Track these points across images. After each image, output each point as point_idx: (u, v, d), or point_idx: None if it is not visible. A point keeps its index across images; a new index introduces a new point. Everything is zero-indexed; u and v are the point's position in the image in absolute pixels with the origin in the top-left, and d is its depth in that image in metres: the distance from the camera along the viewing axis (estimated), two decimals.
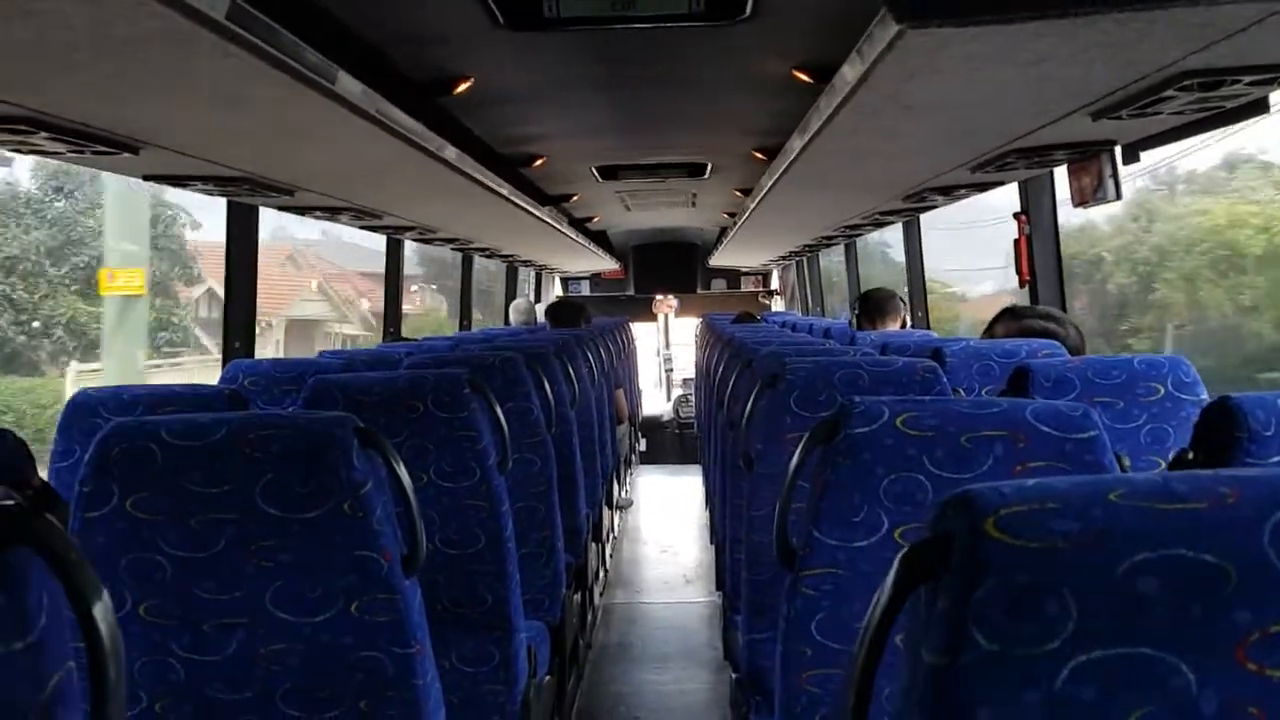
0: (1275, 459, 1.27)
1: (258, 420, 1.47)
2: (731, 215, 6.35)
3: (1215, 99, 1.91)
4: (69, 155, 2.22)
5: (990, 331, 2.89)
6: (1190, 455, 1.39)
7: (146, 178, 2.64)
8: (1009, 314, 2.85)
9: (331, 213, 3.76)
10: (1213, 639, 0.58)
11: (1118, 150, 2.54)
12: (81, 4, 1.26)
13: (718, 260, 8.92)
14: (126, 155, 2.24)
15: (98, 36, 1.41)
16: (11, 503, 1.11)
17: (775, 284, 9.95)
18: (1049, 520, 0.62)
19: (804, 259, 8.33)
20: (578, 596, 3.64)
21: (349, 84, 1.85)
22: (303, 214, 3.68)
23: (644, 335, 10.05)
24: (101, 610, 0.84)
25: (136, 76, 1.62)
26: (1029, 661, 0.60)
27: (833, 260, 8.38)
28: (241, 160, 2.54)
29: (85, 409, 2.23)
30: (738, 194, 5.52)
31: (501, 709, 2.30)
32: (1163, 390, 2.08)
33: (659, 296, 9.99)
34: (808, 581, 1.52)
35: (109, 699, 0.82)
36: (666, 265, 9.61)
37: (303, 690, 1.48)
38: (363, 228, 4.50)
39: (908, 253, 5.23)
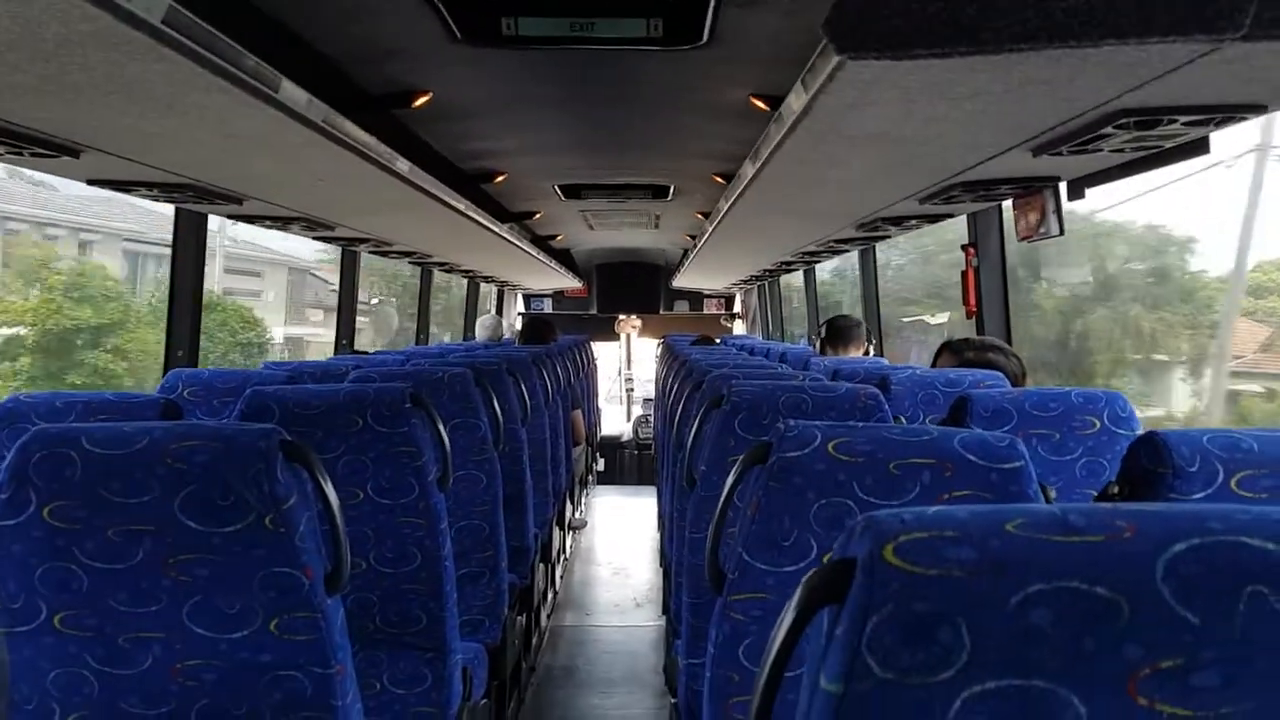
0: (1199, 494, 1.29)
1: (181, 431, 1.44)
2: (694, 238, 6.38)
3: (1153, 138, 1.95)
4: (8, 157, 2.18)
5: (934, 365, 2.92)
6: (1116, 489, 1.41)
7: (90, 182, 2.60)
8: (948, 349, 2.88)
9: (283, 222, 3.72)
10: (1104, 672, 0.58)
11: (1062, 186, 2.59)
12: (11, 4, 1.24)
13: (681, 282, 8.95)
14: (66, 158, 2.20)
15: (30, 37, 1.38)
16: None
17: (738, 307, 10.00)
18: (946, 548, 0.62)
19: (765, 283, 8.38)
20: (522, 618, 3.60)
21: (293, 92, 1.83)
22: (253, 222, 3.63)
23: (606, 354, 10.04)
24: None
25: (72, 79, 1.60)
26: (922, 690, 0.60)
27: (793, 288, 8.45)
28: (185, 166, 2.50)
29: (16, 414, 2.18)
30: (699, 216, 5.55)
31: None
32: (1098, 424, 2.11)
33: (622, 316, 9.99)
34: (737, 606, 1.52)
35: None
36: (630, 285, 9.62)
37: (219, 707, 1.45)
38: (316, 238, 4.45)
39: (863, 281, 5.27)
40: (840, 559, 0.66)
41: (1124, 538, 0.61)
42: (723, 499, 1.60)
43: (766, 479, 1.47)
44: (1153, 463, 1.33)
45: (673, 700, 2.56)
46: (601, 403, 9.37)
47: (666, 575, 3.81)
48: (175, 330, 3.45)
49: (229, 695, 1.45)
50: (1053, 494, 1.48)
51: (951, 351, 2.86)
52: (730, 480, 1.58)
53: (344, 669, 1.48)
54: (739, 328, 9.87)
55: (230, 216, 3.42)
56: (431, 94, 2.82)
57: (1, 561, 1.40)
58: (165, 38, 1.39)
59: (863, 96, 1.63)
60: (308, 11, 2.14)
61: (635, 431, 9.53)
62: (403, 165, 2.72)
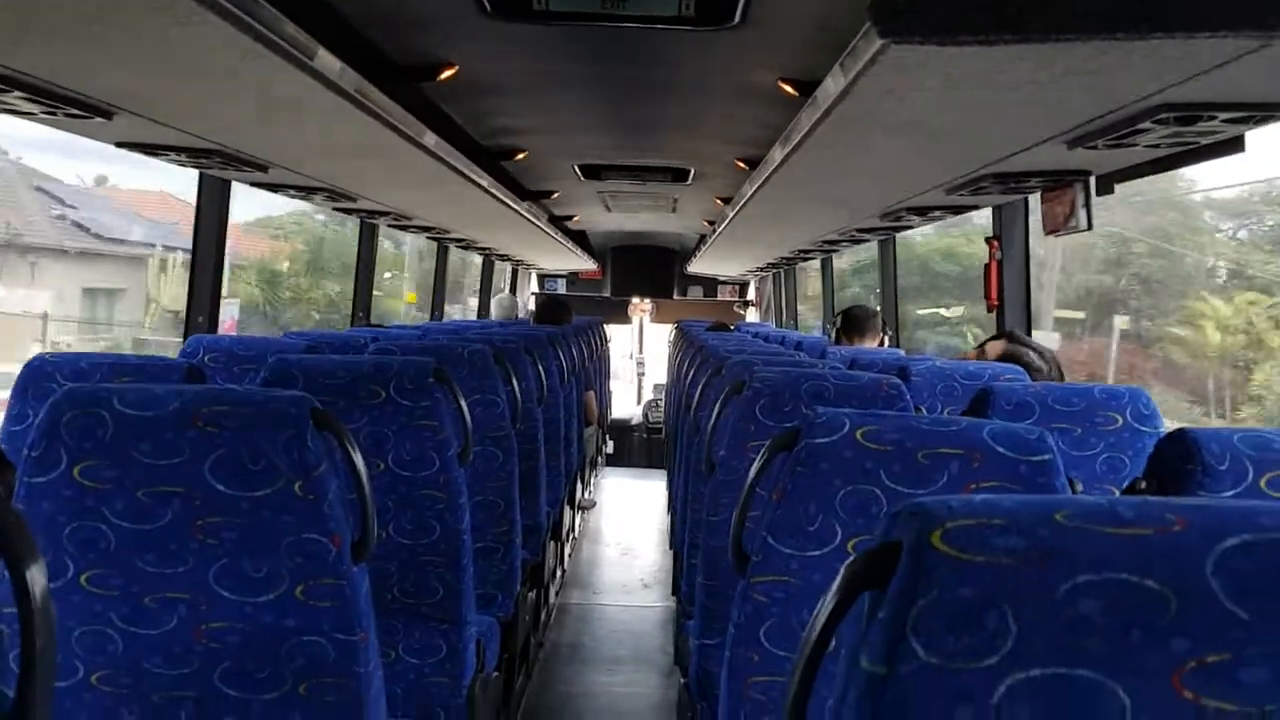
0: (1228, 493, 1.29)
1: (213, 394, 1.45)
2: (712, 223, 6.36)
3: (1191, 134, 1.93)
4: (41, 116, 2.18)
5: (982, 349, 2.93)
6: (1144, 485, 1.41)
7: (119, 144, 2.60)
8: (1008, 336, 2.90)
9: (306, 192, 3.73)
10: (1150, 664, 0.59)
11: (1092, 180, 2.58)
12: None
13: (696, 267, 8.94)
14: (99, 120, 2.20)
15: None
16: None
17: (752, 295, 9.98)
18: (994, 536, 0.62)
19: (781, 271, 8.36)
20: (533, 594, 3.62)
21: (328, 61, 1.83)
22: (276, 191, 3.64)
23: (618, 337, 10.05)
24: (34, 575, 0.82)
25: (116, 41, 1.60)
26: (966, 675, 0.60)
27: (809, 275, 8.42)
28: (216, 133, 2.50)
29: (42, 374, 2.19)
30: (719, 202, 5.53)
31: (446, 703, 2.28)
32: (1121, 420, 2.10)
33: (635, 300, 10.00)
34: (759, 588, 1.52)
35: (37, 666, 0.80)
36: (644, 269, 9.62)
37: (242, 670, 1.46)
38: (336, 209, 4.46)
39: (882, 272, 5.26)
40: (884, 544, 0.66)
41: (1174, 531, 0.61)
42: (749, 482, 1.61)
43: (793, 465, 1.47)
44: (1182, 460, 1.33)
45: (682, 680, 2.58)
46: (613, 385, 9.40)
47: (677, 558, 3.82)
48: (196, 296, 3.47)
49: (252, 658, 1.46)
50: (1080, 487, 1.48)
51: (1010, 339, 2.89)
52: (757, 465, 1.59)
53: (367, 636, 1.49)
54: (752, 315, 9.86)
55: (253, 184, 3.43)
56: (458, 67, 2.81)
57: (30, 519, 1.41)
58: (209, 2, 1.39)
59: (903, 82, 1.62)
60: None
61: (645, 415, 9.55)
62: (430, 139, 2.72)
